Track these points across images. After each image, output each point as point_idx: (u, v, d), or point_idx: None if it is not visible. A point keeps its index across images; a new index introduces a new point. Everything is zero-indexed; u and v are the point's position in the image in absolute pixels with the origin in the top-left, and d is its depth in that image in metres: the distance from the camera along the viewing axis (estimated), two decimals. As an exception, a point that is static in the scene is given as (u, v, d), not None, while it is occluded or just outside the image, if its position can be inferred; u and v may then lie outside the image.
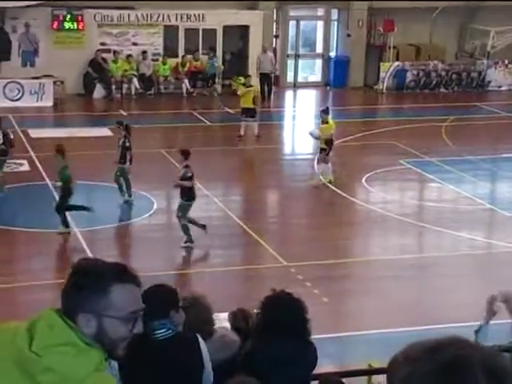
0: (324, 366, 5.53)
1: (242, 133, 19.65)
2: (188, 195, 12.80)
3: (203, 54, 25.65)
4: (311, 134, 17.08)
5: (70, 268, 2.62)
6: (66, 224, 13.14)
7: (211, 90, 25.05)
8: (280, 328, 4.61)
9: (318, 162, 16.74)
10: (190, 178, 12.77)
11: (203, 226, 12.99)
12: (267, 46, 25.44)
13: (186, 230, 12.80)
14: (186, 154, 13.03)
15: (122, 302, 2.58)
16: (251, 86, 20.33)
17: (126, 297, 2.59)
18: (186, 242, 12.77)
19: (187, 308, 4.60)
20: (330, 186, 16.10)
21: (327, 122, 16.64)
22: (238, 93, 20.36)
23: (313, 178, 16.51)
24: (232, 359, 4.65)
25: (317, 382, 4.93)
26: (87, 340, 2.52)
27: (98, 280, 2.56)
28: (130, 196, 14.76)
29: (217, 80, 25.37)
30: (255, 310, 5.00)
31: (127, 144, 14.67)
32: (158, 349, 4.40)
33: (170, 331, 4.41)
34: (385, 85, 26.73)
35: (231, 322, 5.39)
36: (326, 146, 16.38)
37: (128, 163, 14.61)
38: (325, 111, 17.03)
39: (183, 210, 12.81)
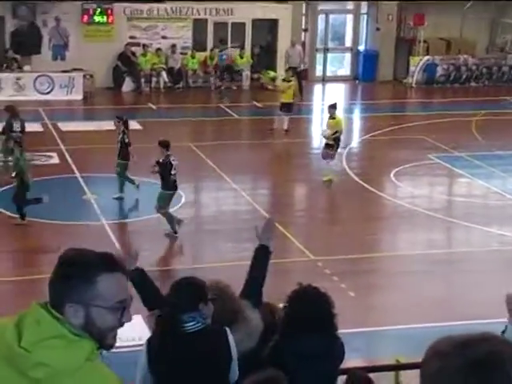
0: (351, 361, 5.51)
1: (274, 126, 19.63)
2: (169, 184, 12.78)
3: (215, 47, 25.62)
4: (323, 135, 16.68)
5: (58, 258, 2.58)
6: (22, 215, 13.11)
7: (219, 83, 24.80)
8: (307, 323, 4.59)
9: (324, 158, 16.24)
10: (172, 167, 12.73)
11: (178, 222, 12.92)
12: (296, 39, 25.36)
13: (170, 219, 12.85)
14: (166, 144, 13.03)
15: (109, 291, 2.55)
16: (290, 80, 20.20)
17: (114, 286, 2.57)
18: (173, 232, 12.89)
19: (214, 299, 4.61)
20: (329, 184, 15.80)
21: (334, 118, 16.34)
22: (271, 87, 20.31)
23: (327, 175, 16.09)
24: (254, 350, 4.64)
25: (344, 376, 4.91)
26: (76, 331, 2.51)
27: (85, 270, 2.55)
28: (121, 192, 14.62)
29: (223, 74, 25.20)
30: (281, 305, 4.99)
31: (126, 140, 14.43)
32: (187, 342, 4.40)
33: (199, 324, 4.42)
34: (414, 79, 26.55)
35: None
36: (333, 142, 16.08)
37: (129, 159, 14.43)
38: (333, 106, 16.70)
39: (163, 199, 12.82)
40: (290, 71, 21.13)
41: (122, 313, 2.59)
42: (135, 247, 5.15)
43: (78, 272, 2.54)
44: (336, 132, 16.05)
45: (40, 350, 2.45)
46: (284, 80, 20.45)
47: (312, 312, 4.61)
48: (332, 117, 16.40)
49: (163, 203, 12.81)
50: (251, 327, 4.64)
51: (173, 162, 12.77)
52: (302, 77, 25.29)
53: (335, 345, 4.78)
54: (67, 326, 2.50)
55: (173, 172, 12.77)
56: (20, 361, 2.46)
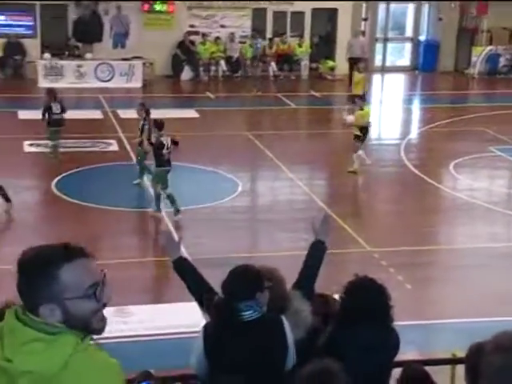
0: (407, 354, 5.46)
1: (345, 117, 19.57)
2: (161, 162, 13.06)
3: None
4: (345, 121, 16.55)
5: (17, 263, 2.51)
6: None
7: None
8: (363, 313, 4.57)
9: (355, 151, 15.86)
10: (163, 147, 13.00)
11: (175, 206, 13.06)
12: (358, 30, 25.06)
13: (157, 198, 13.10)
14: (159, 125, 13.20)
15: (75, 280, 2.48)
16: (362, 72, 20.08)
17: (79, 274, 2.49)
18: (157, 211, 13.15)
19: (269, 287, 4.59)
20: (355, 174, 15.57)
21: (362, 109, 16.01)
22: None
23: (352, 166, 15.76)
24: (303, 341, 4.61)
25: (400, 369, 4.86)
26: (53, 330, 2.46)
27: (45, 267, 2.48)
28: (140, 178, 14.63)
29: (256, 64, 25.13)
30: (337, 295, 4.96)
31: (146, 127, 14.39)
32: (244, 330, 4.39)
33: (256, 313, 4.40)
34: (476, 69, 26.09)
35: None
36: (360, 133, 15.81)
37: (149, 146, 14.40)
38: (361, 97, 16.51)
39: (159, 177, 13.11)
40: (363, 62, 20.97)
41: (99, 295, 2.51)
42: (178, 236, 5.17)
43: (38, 272, 2.47)
44: (365, 125, 15.80)
45: (20, 357, 2.43)
46: (359, 71, 20.23)
47: (368, 303, 4.59)
48: (361, 108, 16.09)
49: (159, 180, 13.10)
50: (299, 318, 4.62)
51: (164, 142, 13.00)
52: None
53: (391, 336, 4.75)
54: (43, 328, 2.46)
55: (164, 151, 13.02)
56: (7, 371, 2.44)
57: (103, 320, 2.57)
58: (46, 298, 2.48)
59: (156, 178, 13.25)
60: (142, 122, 14.62)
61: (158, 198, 13.18)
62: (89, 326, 2.53)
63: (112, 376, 2.52)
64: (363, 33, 26.10)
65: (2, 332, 2.51)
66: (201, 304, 4.90)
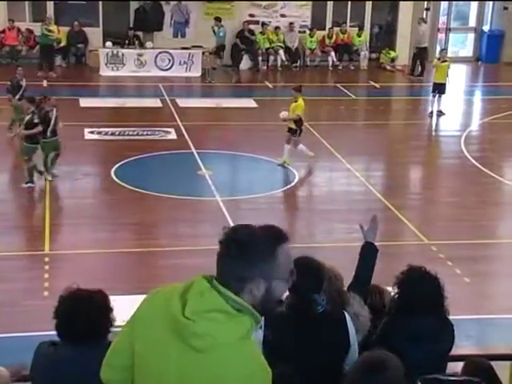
0: (465, 348, 5.40)
1: (432, 109, 19.50)
2: (32, 139, 13.57)
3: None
4: (281, 116, 15.43)
5: (224, 236, 2.62)
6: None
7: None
8: (418, 304, 4.52)
9: (287, 142, 15.18)
10: (36, 125, 13.46)
11: (40, 173, 13.74)
12: (420, 18, 24.72)
13: (30, 172, 13.60)
14: (33, 101, 13.73)
15: (285, 262, 2.62)
16: (446, 60, 19.75)
17: (288, 257, 2.65)
18: (26, 183, 13.58)
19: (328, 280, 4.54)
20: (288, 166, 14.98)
21: (296, 101, 15.18)
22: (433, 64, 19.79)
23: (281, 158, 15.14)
24: (362, 341, 4.55)
25: (459, 363, 4.79)
26: (238, 306, 2.56)
27: (265, 245, 2.60)
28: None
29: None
30: (390, 288, 4.91)
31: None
32: (312, 324, 4.31)
33: (320, 307, 4.33)
34: (541, 60, 25.49)
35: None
36: (294, 126, 15.16)
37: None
38: (296, 89, 15.45)
39: (26, 152, 13.61)
40: (444, 51, 20.75)
41: (291, 281, 2.68)
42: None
43: (258, 248, 2.60)
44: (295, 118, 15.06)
45: (202, 320, 2.53)
46: (439, 59, 19.99)
47: (423, 293, 4.53)
48: (295, 100, 15.23)
49: (27, 156, 13.60)
50: (358, 323, 4.56)
51: (35, 120, 13.49)
52: (424, 56, 24.63)
53: (446, 328, 4.68)
54: (230, 302, 2.56)
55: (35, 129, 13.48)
56: (183, 329, 2.55)
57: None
58: (257, 274, 2.58)
59: (24, 153, 13.68)
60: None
61: (30, 171, 13.63)
62: (272, 309, 2.69)
63: (259, 378, 2.60)
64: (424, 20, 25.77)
65: (187, 290, 2.61)
66: None
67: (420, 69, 24.28)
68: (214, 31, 23.16)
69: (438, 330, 4.60)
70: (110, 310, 3.92)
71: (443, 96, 19.73)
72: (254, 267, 2.57)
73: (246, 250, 2.59)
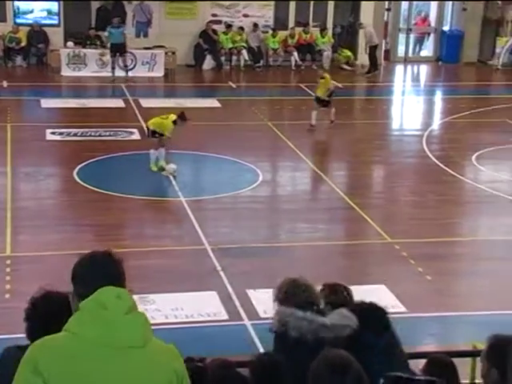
0: (427, 345, 5.46)
1: (313, 122, 17.96)
2: None
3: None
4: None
5: None
6: None
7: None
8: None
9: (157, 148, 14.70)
10: None
11: None
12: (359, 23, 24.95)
13: None
14: None
15: None
16: (324, 77, 18.28)
17: None
18: None
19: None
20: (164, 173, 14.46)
21: (167, 118, 14.58)
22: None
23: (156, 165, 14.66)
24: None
25: (422, 360, 4.85)
26: None
27: None
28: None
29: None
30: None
31: None
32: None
33: None
34: (500, 61, 25.85)
35: (326, 295, 5.31)
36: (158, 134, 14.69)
37: None
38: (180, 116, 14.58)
39: None
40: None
41: None
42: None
43: None
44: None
45: None
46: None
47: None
48: (166, 117, 14.61)
49: None
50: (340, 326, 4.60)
51: None
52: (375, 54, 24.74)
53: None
54: None
55: None
56: None
57: None
58: None
59: None
60: None
61: None
62: None
63: None
64: (386, 23, 26.00)
65: None
66: None
67: (371, 66, 24.53)
68: (110, 32, 22.44)
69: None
70: None
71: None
72: None
73: None
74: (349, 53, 25.30)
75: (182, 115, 14.64)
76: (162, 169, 14.61)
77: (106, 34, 22.62)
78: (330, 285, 5.15)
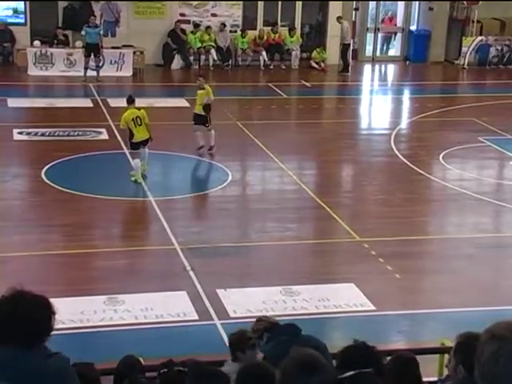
0: (395, 343, 5.50)
1: (201, 143, 15.82)
2: None
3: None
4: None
5: None
6: None
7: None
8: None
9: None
10: None
11: None
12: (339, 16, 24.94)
13: None
14: None
15: None
16: (203, 88, 15.77)
17: None
18: None
19: None
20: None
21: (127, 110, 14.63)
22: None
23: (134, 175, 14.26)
24: None
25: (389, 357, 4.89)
26: None
27: None
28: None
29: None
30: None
31: None
32: None
33: None
34: (466, 60, 26.11)
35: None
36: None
37: None
38: (128, 100, 14.74)
39: None
40: (201, 78, 16.13)
41: None
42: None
43: None
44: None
45: None
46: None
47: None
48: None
49: None
50: None
51: None
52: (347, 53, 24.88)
53: None
54: None
55: None
56: None
57: None
58: None
59: None
60: None
61: None
62: None
63: None
64: (354, 23, 26.09)
65: None
66: None
67: (343, 65, 24.66)
68: (86, 32, 22.16)
69: None
70: (53, 313, 3.84)
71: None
72: None
73: None
74: (325, 54, 25.34)
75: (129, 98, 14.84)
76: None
77: (82, 32, 22.41)
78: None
